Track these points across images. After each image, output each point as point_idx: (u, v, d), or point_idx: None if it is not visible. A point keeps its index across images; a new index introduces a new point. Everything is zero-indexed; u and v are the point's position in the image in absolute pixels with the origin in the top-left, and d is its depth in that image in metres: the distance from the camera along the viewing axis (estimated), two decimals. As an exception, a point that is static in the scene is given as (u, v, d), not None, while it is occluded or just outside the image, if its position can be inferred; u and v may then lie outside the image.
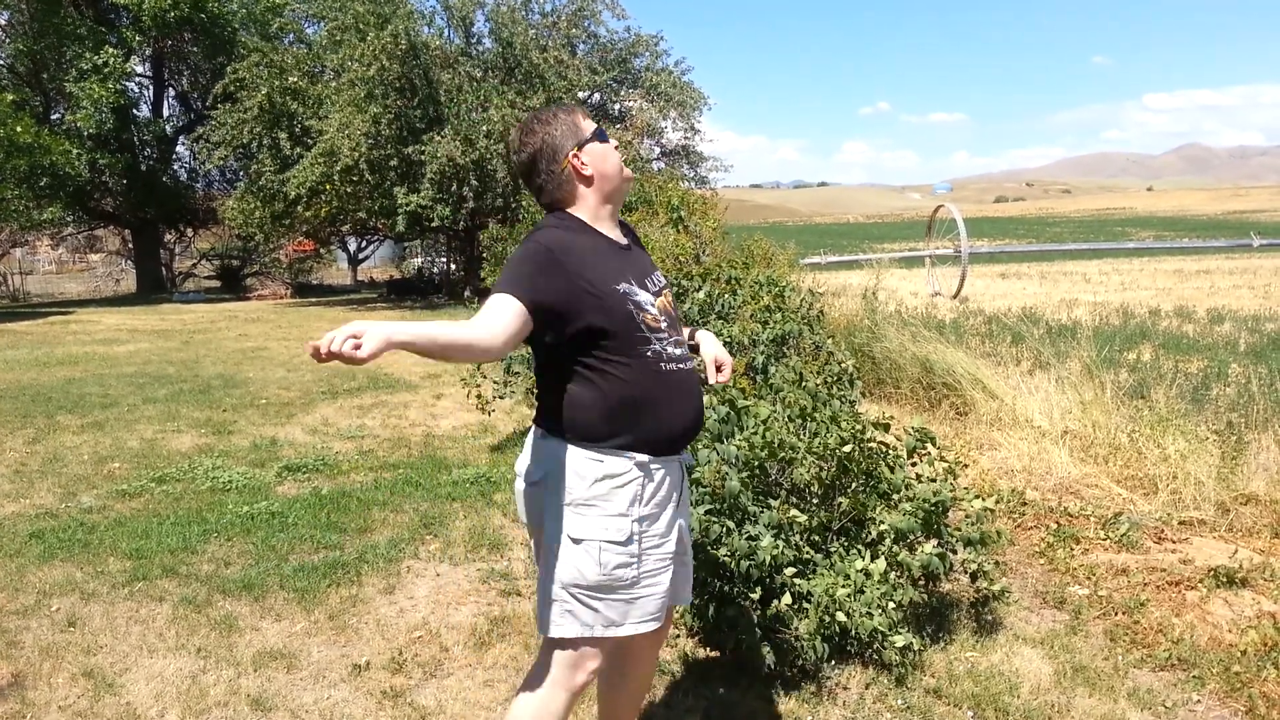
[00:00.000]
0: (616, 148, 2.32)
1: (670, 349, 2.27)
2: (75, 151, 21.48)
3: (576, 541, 2.22)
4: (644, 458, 2.23)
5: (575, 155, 2.24)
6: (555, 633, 2.26)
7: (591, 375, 2.19)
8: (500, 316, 2.04)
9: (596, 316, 2.14)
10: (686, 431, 2.34)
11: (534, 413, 2.36)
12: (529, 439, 2.36)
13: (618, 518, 2.22)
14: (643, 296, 2.24)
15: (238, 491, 5.73)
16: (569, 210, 2.28)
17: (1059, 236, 46.77)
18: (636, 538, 2.24)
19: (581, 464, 2.21)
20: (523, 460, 2.37)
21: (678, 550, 2.37)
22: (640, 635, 2.39)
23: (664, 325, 2.26)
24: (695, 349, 2.59)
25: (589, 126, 2.27)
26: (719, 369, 2.55)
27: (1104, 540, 4.70)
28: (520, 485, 2.35)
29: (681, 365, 2.30)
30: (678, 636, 3.69)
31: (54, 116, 24.65)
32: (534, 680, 2.33)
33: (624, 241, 2.34)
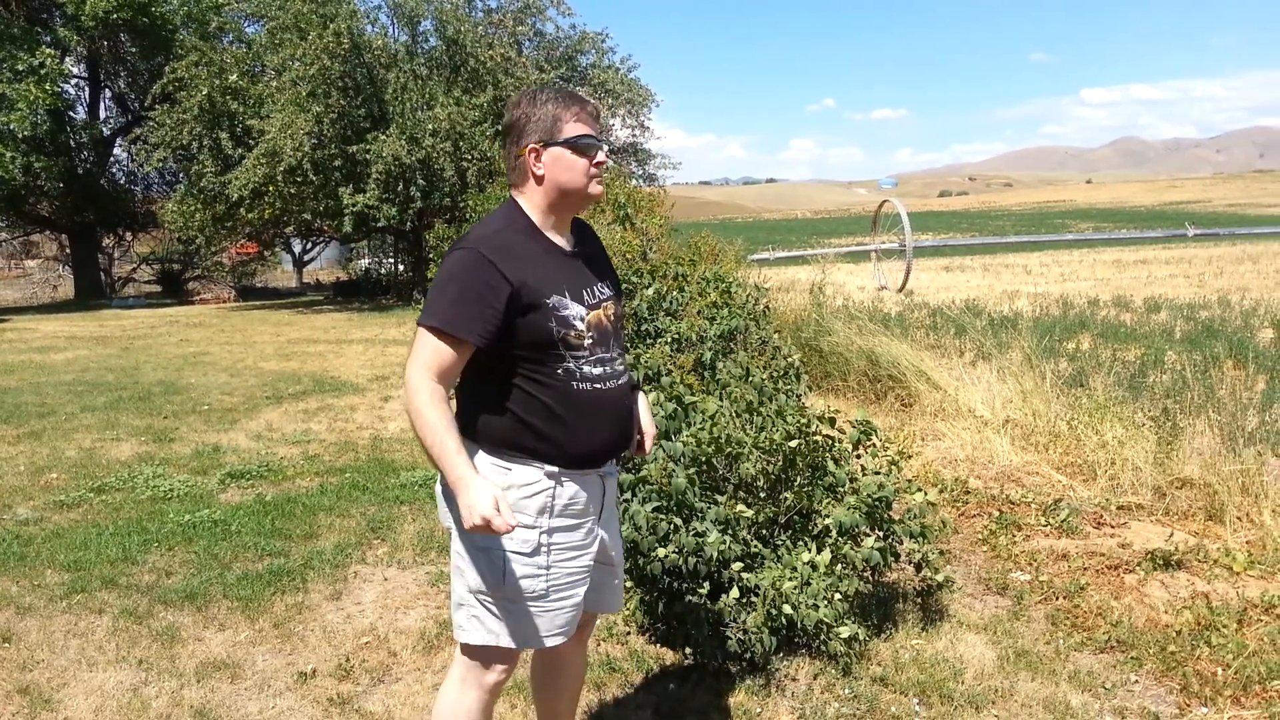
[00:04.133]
0: (597, 165, 2.17)
1: (588, 368, 2.18)
2: (9, 155, 20.87)
3: (482, 550, 2.19)
4: (554, 469, 2.18)
5: (534, 150, 2.14)
6: (461, 637, 2.27)
7: (504, 385, 2.15)
8: (439, 371, 2.07)
9: (517, 331, 2.10)
10: (601, 451, 2.26)
11: None
12: None
13: (524, 529, 2.17)
14: (572, 310, 2.14)
15: (179, 500, 5.62)
16: (521, 199, 2.21)
17: (1001, 229, 47.58)
18: (545, 549, 2.20)
19: (489, 471, 2.17)
20: None
21: (601, 561, 2.36)
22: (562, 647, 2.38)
23: (588, 342, 2.17)
24: None
25: (570, 130, 2.13)
26: (641, 440, 2.45)
27: (1045, 526, 4.79)
28: (438, 485, 2.30)
29: (600, 385, 2.20)
30: (628, 634, 3.70)
31: (-15, 119, 23.94)
32: (449, 679, 2.34)
33: (570, 248, 2.24)
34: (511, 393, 2.15)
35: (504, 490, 2.13)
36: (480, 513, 1.98)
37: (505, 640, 2.23)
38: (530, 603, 2.21)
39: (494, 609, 2.21)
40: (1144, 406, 6.11)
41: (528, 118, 2.15)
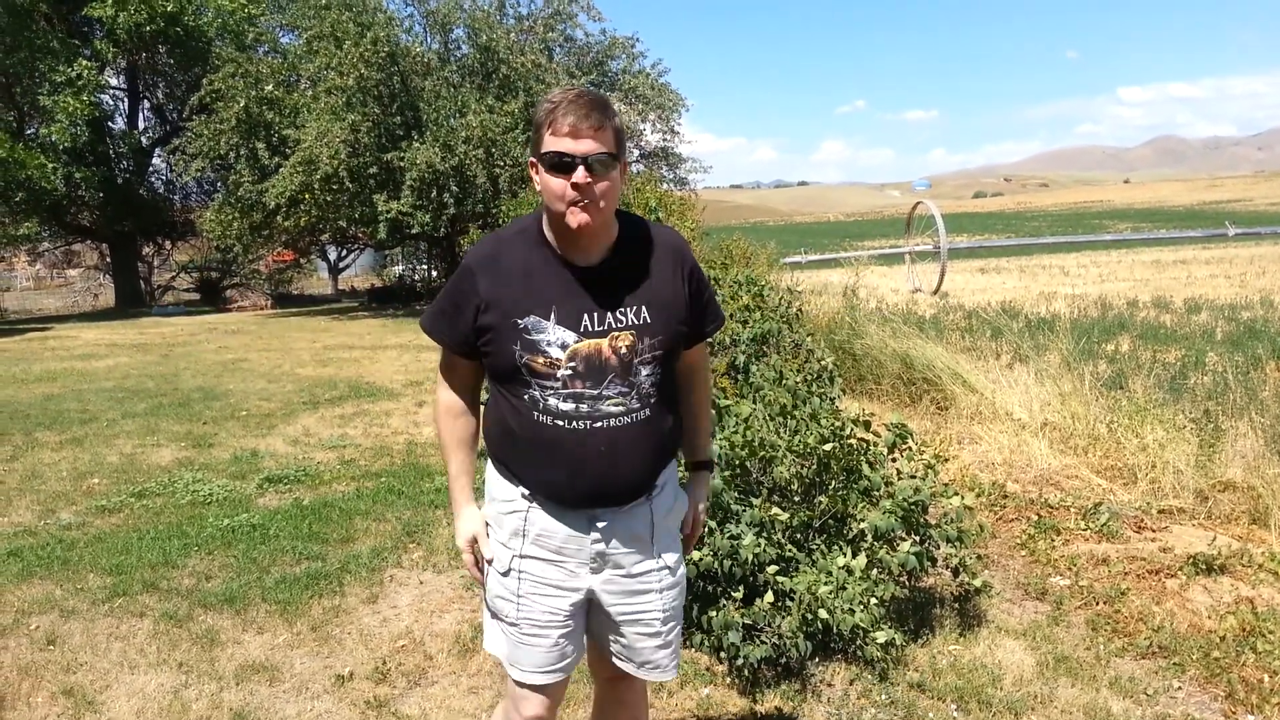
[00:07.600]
0: (575, 187, 1.84)
1: (554, 401, 1.95)
2: (51, 166, 21.30)
3: (489, 558, 2.17)
4: (526, 491, 2.06)
5: (532, 163, 1.94)
6: (483, 641, 2.27)
7: (493, 398, 2.10)
8: (448, 376, 2.16)
9: (486, 346, 2.00)
10: (566, 494, 2.01)
11: None
12: None
13: (501, 546, 2.11)
14: (549, 335, 1.93)
15: (218, 504, 5.69)
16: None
17: (1037, 230, 47.11)
18: (517, 575, 2.08)
19: (489, 478, 2.16)
20: None
21: (603, 615, 2.15)
22: (605, 682, 2.35)
23: (563, 373, 1.93)
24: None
25: (547, 144, 1.86)
26: (690, 529, 2.29)
27: (1084, 531, 4.72)
28: None
29: (564, 423, 1.95)
30: (662, 638, 3.69)
31: (28, 131, 24.42)
32: (499, 706, 2.35)
33: (585, 264, 1.96)
34: (497, 407, 2.08)
35: (490, 501, 2.15)
36: (458, 543, 2.20)
37: (498, 651, 2.17)
38: (506, 626, 2.13)
39: (493, 621, 2.18)
40: (1185, 409, 6.02)
41: (533, 125, 1.94)
